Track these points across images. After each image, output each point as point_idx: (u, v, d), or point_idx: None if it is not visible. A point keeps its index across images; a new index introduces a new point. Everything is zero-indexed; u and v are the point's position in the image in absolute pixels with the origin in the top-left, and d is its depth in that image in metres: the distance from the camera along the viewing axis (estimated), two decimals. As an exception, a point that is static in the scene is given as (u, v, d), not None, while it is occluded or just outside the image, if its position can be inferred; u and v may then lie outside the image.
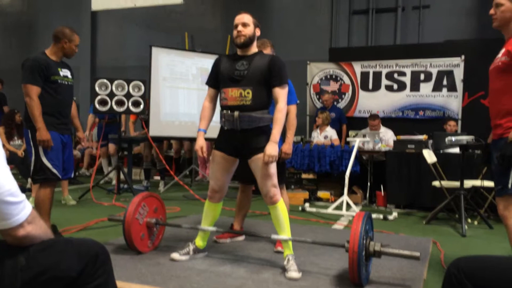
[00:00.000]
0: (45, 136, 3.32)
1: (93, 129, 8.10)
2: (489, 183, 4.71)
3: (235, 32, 2.93)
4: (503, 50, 2.49)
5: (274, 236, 2.98)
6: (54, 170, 3.42)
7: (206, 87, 3.18)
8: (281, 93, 2.87)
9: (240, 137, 2.90)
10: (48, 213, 3.46)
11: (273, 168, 2.87)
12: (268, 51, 3.40)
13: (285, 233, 2.94)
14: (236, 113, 2.86)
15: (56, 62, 3.51)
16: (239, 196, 3.73)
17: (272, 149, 2.77)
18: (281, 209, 2.92)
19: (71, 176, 3.88)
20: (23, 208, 1.30)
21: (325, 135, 6.77)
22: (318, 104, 7.80)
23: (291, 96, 3.38)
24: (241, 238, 3.72)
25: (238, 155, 3.00)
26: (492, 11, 2.51)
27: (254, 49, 2.98)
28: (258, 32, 2.97)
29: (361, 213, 2.64)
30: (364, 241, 2.51)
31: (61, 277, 1.37)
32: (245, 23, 2.90)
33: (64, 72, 3.55)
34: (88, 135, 7.45)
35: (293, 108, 3.50)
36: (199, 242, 3.14)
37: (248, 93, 2.85)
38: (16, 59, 10.42)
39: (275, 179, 2.90)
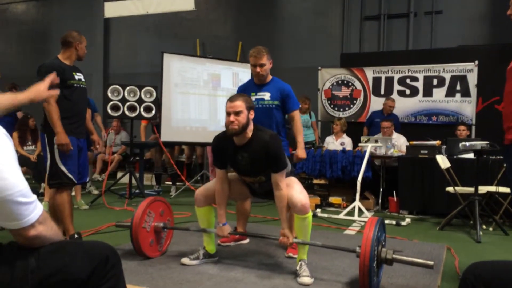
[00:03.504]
0: (64, 140, 3.33)
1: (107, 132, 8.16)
2: (504, 189, 4.63)
3: (227, 119, 2.79)
4: None
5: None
6: (70, 175, 3.44)
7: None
8: (280, 178, 2.84)
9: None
10: (69, 216, 3.46)
11: (294, 179, 2.98)
12: (264, 60, 3.44)
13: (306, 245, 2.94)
14: (255, 185, 3.11)
15: (70, 66, 3.55)
16: (237, 202, 3.74)
17: (288, 234, 2.86)
18: (309, 222, 2.89)
19: (86, 180, 3.90)
20: (34, 208, 1.30)
21: (341, 142, 6.74)
22: (330, 110, 7.77)
23: (294, 101, 3.53)
24: (246, 241, 3.75)
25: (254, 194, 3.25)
26: (509, 11, 2.45)
27: (249, 133, 2.86)
28: (252, 115, 2.85)
29: (374, 218, 2.61)
30: (376, 248, 2.47)
31: (71, 279, 1.36)
32: (238, 112, 2.76)
33: (79, 76, 3.59)
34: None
35: (297, 114, 3.57)
36: (208, 246, 3.14)
37: (260, 178, 2.98)
38: (30, 66, 10.56)
39: (301, 187, 2.92)
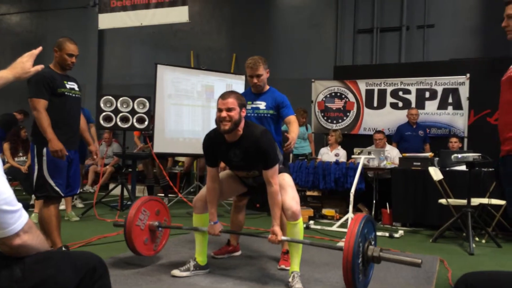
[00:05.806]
0: (57, 146, 3.20)
1: (100, 144, 8.12)
2: (497, 201, 4.64)
3: (218, 115, 2.79)
4: None
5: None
6: (57, 189, 3.32)
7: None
8: (271, 175, 2.83)
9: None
10: (57, 229, 3.36)
11: (288, 179, 2.99)
12: (260, 71, 3.45)
13: (298, 253, 2.92)
14: (249, 180, 3.16)
15: (61, 75, 3.44)
16: (232, 212, 3.73)
17: (278, 232, 2.82)
18: (300, 228, 2.90)
19: (77, 192, 3.80)
20: (19, 217, 1.27)
21: (336, 153, 6.75)
22: (323, 122, 7.79)
23: (290, 109, 3.55)
24: (238, 253, 3.75)
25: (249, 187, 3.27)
26: (504, 23, 2.44)
27: (240, 130, 2.87)
28: (244, 113, 2.86)
29: (360, 215, 2.56)
30: (362, 244, 2.42)
31: (57, 290, 1.33)
32: (230, 108, 2.76)
33: (71, 85, 3.47)
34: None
35: (294, 117, 3.56)
36: (199, 257, 3.11)
37: (254, 172, 3.02)
38: (23, 77, 10.54)
39: (294, 192, 2.95)
